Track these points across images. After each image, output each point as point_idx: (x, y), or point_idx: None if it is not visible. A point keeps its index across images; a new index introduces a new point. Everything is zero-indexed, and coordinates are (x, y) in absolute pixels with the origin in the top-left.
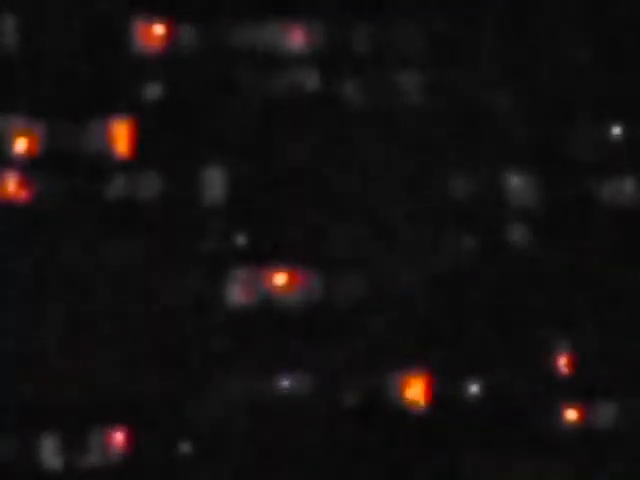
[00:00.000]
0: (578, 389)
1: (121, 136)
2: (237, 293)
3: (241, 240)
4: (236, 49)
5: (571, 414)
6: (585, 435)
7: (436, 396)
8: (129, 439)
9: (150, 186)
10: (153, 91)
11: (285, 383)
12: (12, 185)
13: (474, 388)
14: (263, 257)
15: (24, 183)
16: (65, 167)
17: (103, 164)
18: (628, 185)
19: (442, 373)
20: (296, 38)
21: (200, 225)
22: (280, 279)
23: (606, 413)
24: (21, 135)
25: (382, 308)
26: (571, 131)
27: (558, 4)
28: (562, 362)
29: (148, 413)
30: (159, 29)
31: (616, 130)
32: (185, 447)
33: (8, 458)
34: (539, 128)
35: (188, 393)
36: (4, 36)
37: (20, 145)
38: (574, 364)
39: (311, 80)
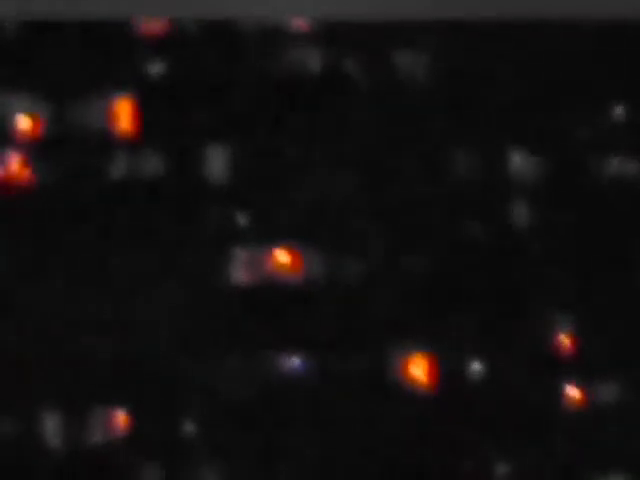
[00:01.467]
0: (580, 369)
1: (124, 114)
2: (239, 272)
3: (243, 219)
4: (239, 26)
5: (573, 392)
6: (586, 415)
7: (440, 375)
8: (130, 418)
9: (153, 165)
10: (156, 68)
11: (288, 362)
12: (15, 165)
13: (476, 367)
14: (265, 236)
15: (27, 163)
16: (68, 146)
17: (106, 142)
18: (630, 164)
19: (445, 352)
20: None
21: (203, 203)
22: (282, 258)
23: (607, 393)
24: (24, 114)
25: (384, 287)
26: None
27: None
28: (564, 342)
29: (150, 392)
30: None
31: (618, 109)
32: (188, 427)
33: (9, 437)
34: (541, 107)
35: (190, 373)
36: (5, 17)
37: (23, 124)
38: (576, 344)
39: (313, 59)
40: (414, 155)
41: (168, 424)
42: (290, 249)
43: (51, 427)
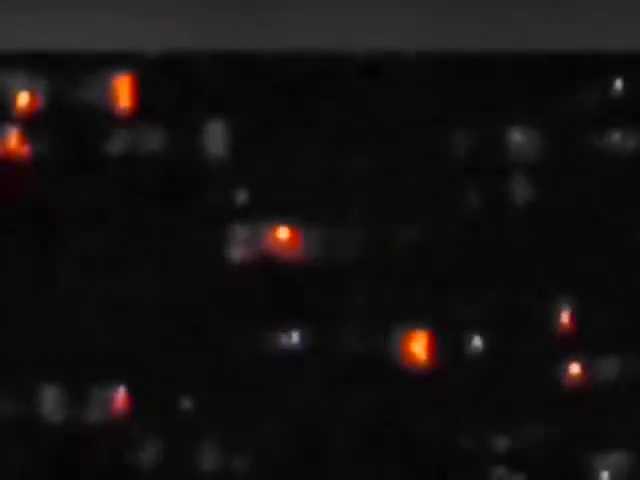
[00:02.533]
0: (581, 347)
1: (123, 91)
2: (238, 249)
3: (242, 196)
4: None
5: (574, 370)
6: (587, 393)
7: (440, 352)
8: (129, 395)
9: (152, 141)
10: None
11: (285, 339)
12: (13, 141)
13: (476, 343)
14: (264, 213)
15: (25, 139)
16: (66, 123)
17: (105, 119)
18: (630, 137)
19: (445, 329)
20: None
21: (201, 180)
22: (281, 235)
23: (608, 371)
24: (23, 90)
25: (383, 263)
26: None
27: None
28: (565, 319)
29: (148, 368)
30: None
31: (617, 84)
32: (186, 403)
33: (8, 412)
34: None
35: (189, 349)
36: None
37: (22, 100)
38: (576, 321)
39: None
40: (413, 132)
41: (168, 401)
42: (289, 226)
43: (51, 404)
